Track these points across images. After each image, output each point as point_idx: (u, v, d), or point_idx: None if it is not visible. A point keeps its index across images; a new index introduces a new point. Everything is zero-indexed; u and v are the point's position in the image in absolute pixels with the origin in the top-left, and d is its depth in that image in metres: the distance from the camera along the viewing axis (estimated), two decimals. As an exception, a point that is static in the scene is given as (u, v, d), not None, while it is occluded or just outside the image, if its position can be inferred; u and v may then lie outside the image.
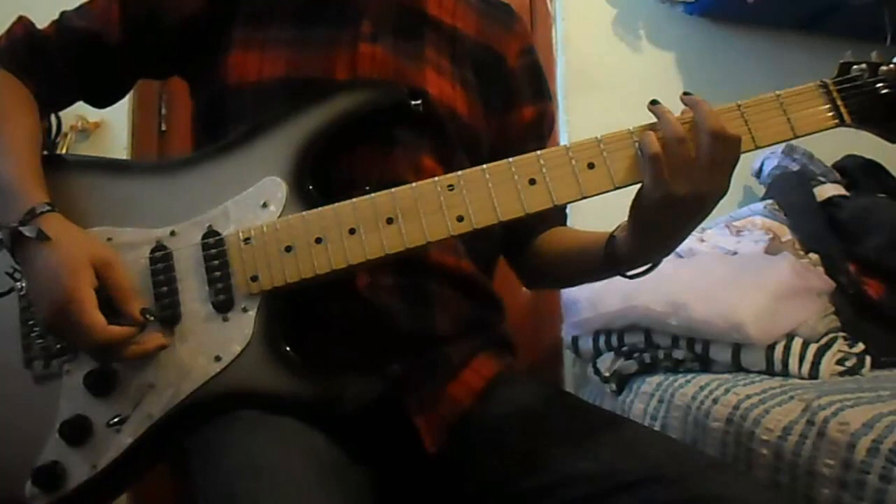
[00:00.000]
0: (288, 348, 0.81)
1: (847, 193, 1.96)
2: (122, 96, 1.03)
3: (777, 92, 0.80)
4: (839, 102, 0.80)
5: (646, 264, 0.87)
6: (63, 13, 0.96)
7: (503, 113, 1.02)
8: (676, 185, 0.76)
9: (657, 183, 0.77)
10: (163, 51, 0.97)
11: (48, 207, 0.81)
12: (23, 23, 0.95)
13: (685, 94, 0.78)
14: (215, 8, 0.94)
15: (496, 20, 1.05)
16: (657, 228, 0.82)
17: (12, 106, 0.90)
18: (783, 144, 2.08)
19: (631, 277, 0.89)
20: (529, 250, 1.03)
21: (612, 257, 0.88)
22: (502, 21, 1.06)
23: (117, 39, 0.94)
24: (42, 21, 0.97)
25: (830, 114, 0.80)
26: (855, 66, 0.81)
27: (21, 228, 0.79)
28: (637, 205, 0.81)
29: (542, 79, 1.09)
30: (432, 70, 0.94)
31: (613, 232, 0.88)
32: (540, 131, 1.06)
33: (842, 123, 0.80)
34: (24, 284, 0.86)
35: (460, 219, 0.79)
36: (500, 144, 0.99)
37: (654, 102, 0.79)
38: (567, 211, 1.07)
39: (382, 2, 0.95)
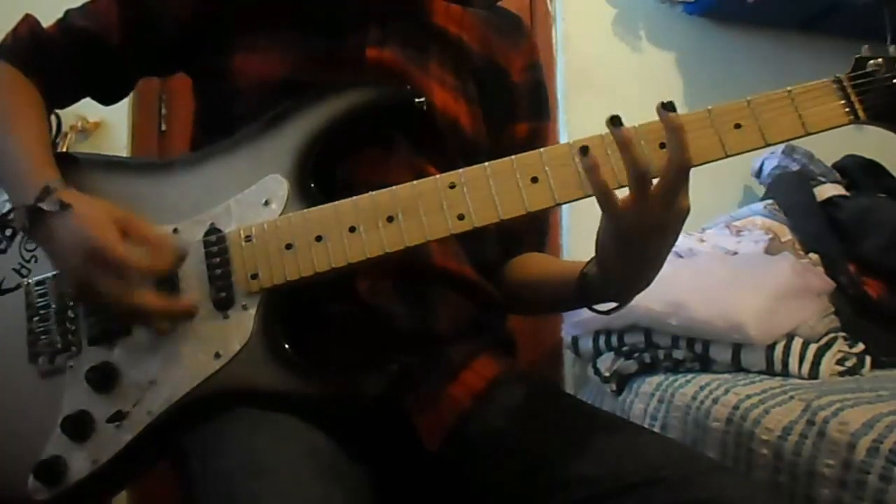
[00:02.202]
0: (287, 346, 0.81)
1: (847, 193, 1.96)
2: (128, 93, 1.04)
3: (788, 88, 0.77)
4: (854, 98, 0.76)
5: (617, 299, 0.87)
6: (68, 12, 0.97)
7: (501, 125, 1.01)
8: (629, 221, 0.74)
9: (618, 222, 0.75)
10: (162, 51, 0.97)
11: (62, 185, 0.83)
12: (28, 21, 0.96)
13: (664, 105, 0.73)
14: (209, 9, 0.94)
15: (503, 34, 1.04)
16: (625, 263, 0.80)
17: (20, 98, 0.92)
18: (783, 144, 2.08)
19: (601, 313, 0.88)
20: (504, 273, 1.01)
21: (583, 292, 0.87)
22: (509, 35, 1.04)
23: (117, 40, 0.95)
24: (48, 18, 0.98)
25: (845, 110, 0.76)
26: (871, 62, 0.77)
27: (40, 204, 0.80)
28: (601, 244, 0.80)
29: (544, 97, 1.07)
30: (436, 83, 0.94)
31: (585, 267, 0.87)
32: (531, 149, 1.05)
33: (857, 120, 0.77)
34: (31, 280, 0.87)
35: (461, 217, 0.78)
36: (493, 157, 0.98)
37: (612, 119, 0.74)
38: (545, 237, 1.07)
39: (389, 9, 0.95)
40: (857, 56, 0.78)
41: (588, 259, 0.87)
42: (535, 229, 1.05)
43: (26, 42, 0.95)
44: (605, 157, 0.77)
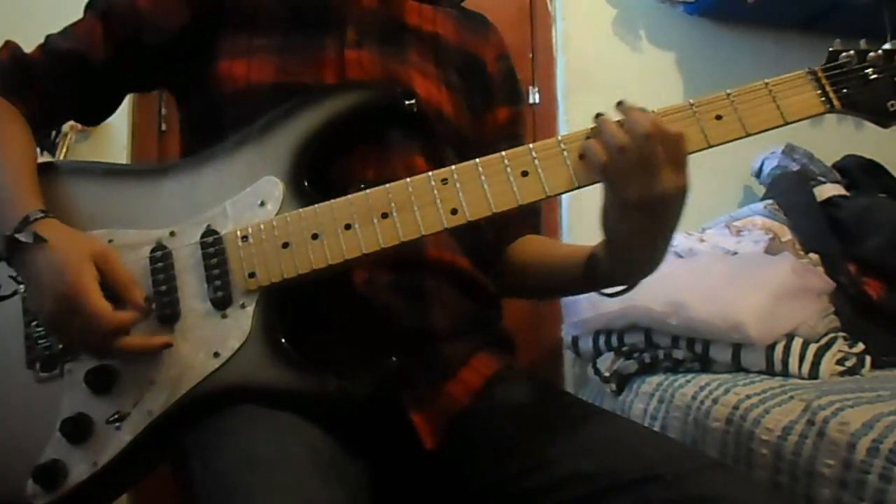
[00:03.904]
0: (286, 344, 0.81)
1: (847, 193, 1.96)
2: (112, 112, 1.04)
3: (765, 80, 0.81)
4: (828, 88, 0.81)
5: (625, 281, 0.89)
6: (48, 36, 0.98)
7: (481, 112, 1.03)
8: (629, 191, 0.77)
9: (612, 191, 0.79)
10: (148, 67, 0.98)
11: (42, 214, 0.82)
12: (9, 47, 0.96)
13: (619, 103, 0.79)
14: (199, 22, 0.95)
15: (473, 29, 1.08)
16: (627, 239, 0.83)
17: (4, 123, 0.91)
18: (783, 144, 2.08)
19: (609, 296, 0.90)
20: (504, 259, 1.03)
21: (591, 273, 0.89)
22: (479, 31, 1.08)
23: (102, 59, 0.95)
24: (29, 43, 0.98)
25: (821, 99, 0.81)
26: (843, 54, 0.82)
27: (17, 235, 0.80)
28: (602, 217, 0.83)
29: (517, 83, 1.11)
30: (417, 73, 0.96)
31: (595, 248, 0.89)
32: (514, 132, 1.07)
33: (832, 109, 0.81)
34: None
35: (454, 212, 0.80)
36: (477, 144, 1.00)
37: (598, 116, 0.80)
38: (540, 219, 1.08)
39: (364, 12, 0.97)
40: (831, 49, 0.83)
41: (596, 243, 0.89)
42: (528, 211, 1.05)
43: (9, 68, 0.95)
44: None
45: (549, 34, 2.25)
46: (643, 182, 0.77)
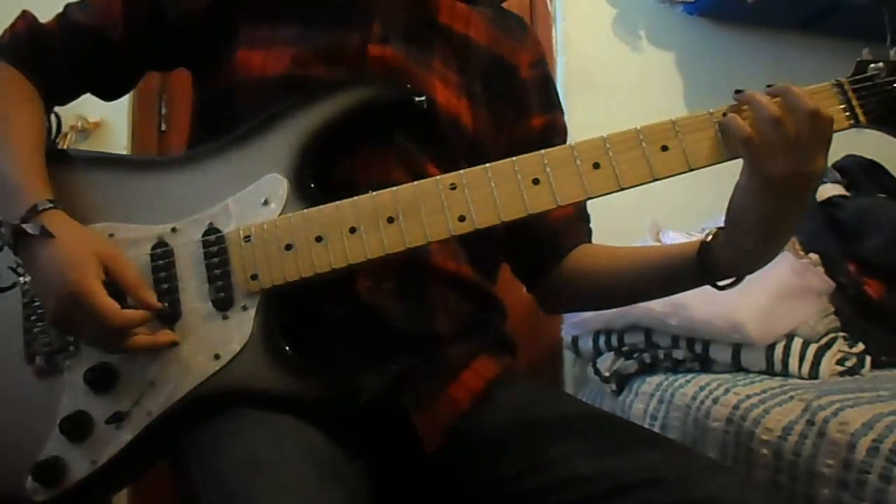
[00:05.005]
0: (287, 347, 0.80)
1: (847, 193, 1.96)
2: (130, 89, 1.03)
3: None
4: (854, 102, 0.77)
5: (741, 271, 0.83)
6: (67, 6, 0.96)
7: (513, 123, 1.01)
8: (777, 167, 0.73)
9: (755, 168, 0.75)
10: (166, 45, 0.97)
11: (50, 204, 0.81)
12: (26, 18, 0.95)
13: (768, 86, 0.76)
14: (218, 5, 0.94)
15: (509, 31, 1.04)
16: (760, 220, 0.77)
17: (16, 101, 0.90)
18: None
19: (721, 288, 0.85)
20: (559, 272, 1.00)
21: (707, 266, 0.84)
22: (515, 33, 1.05)
23: (120, 35, 0.94)
24: (47, 14, 0.97)
25: (846, 114, 0.77)
26: (872, 65, 0.77)
27: (24, 225, 0.79)
28: (735, 198, 0.79)
29: (554, 90, 1.08)
30: (439, 80, 0.94)
31: (705, 239, 0.84)
32: (549, 141, 1.02)
33: (857, 124, 0.77)
34: (27, 280, 0.86)
35: (462, 218, 0.78)
36: (510, 154, 0.98)
37: (738, 92, 0.77)
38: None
39: (393, 6, 0.95)
40: (859, 59, 0.78)
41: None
42: (581, 218, 1.02)
43: (24, 39, 0.93)
44: (606, 157, 0.78)
45: (549, 34, 2.25)
46: (795, 159, 0.73)
